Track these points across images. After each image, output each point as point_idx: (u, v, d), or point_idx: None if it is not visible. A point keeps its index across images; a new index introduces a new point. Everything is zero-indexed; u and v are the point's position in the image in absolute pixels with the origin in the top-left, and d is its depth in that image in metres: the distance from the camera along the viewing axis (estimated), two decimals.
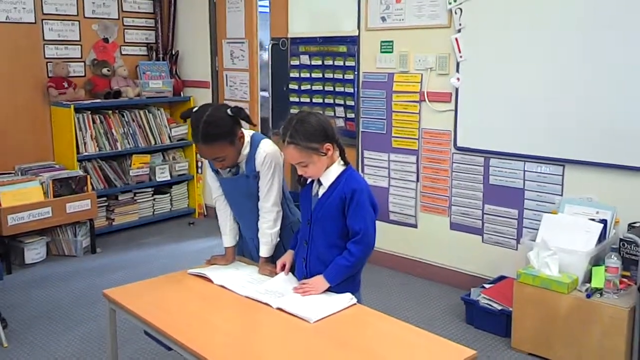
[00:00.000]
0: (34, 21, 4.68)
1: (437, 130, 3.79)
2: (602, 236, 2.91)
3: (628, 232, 2.89)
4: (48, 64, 4.78)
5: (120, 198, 5.00)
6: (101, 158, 4.87)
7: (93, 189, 4.60)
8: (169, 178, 5.24)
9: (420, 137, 3.88)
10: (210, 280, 2.26)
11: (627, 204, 3.01)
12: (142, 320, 2.00)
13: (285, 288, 2.15)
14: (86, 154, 4.71)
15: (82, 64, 5.02)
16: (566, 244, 2.89)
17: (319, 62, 4.40)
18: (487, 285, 3.38)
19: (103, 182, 4.86)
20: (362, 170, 4.20)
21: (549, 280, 2.84)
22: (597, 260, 2.91)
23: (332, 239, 2.13)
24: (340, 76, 4.28)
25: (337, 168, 2.13)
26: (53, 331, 3.24)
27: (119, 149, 4.91)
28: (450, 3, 3.57)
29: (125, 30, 5.28)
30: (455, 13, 3.57)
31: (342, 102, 4.31)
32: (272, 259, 2.36)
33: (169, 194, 5.35)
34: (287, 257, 2.28)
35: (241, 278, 2.27)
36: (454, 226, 3.81)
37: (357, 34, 4.12)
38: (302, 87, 4.53)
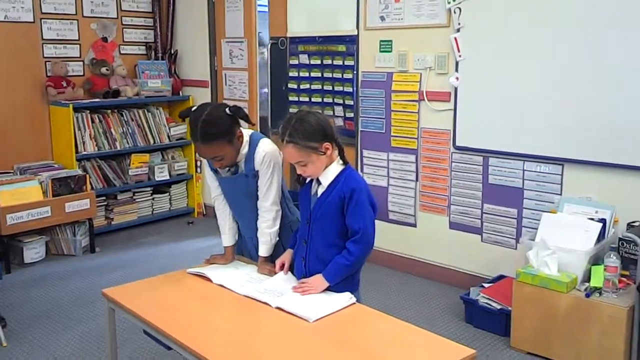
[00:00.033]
0: (32, 20, 4.67)
1: (436, 129, 3.79)
2: (601, 235, 2.91)
3: (627, 231, 2.89)
4: (47, 63, 4.78)
5: (119, 197, 5.00)
6: (100, 157, 4.86)
7: (92, 188, 4.60)
8: (168, 177, 5.24)
9: (420, 136, 3.88)
10: (209, 280, 2.26)
11: (626, 204, 3.02)
12: (142, 320, 2.00)
13: (285, 287, 2.15)
14: (85, 153, 4.70)
15: (81, 63, 5.01)
16: (565, 243, 2.89)
17: (318, 62, 4.40)
18: (486, 285, 3.38)
19: (102, 181, 4.86)
20: (362, 170, 4.20)
21: (548, 280, 2.85)
22: (596, 260, 2.91)
23: (331, 238, 2.13)
24: (339, 75, 4.28)
25: (336, 167, 2.13)
26: (52, 330, 3.24)
27: (118, 148, 4.90)
28: (449, 2, 3.57)
29: (124, 30, 5.28)
30: (454, 12, 3.57)
31: (341, 101, 4.31)
32: (271, 258, 2.36)
33: (168, 194, 5.35)
34: (286, 256, 2.28)
35: (240, 277, 2.27)
36: (453, 225, 3.81)
37: (356, 33, 4.12)
38: (301, 87, 4.53)
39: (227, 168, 2.35)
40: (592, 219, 2.95)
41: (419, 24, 3.76)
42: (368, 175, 4.15)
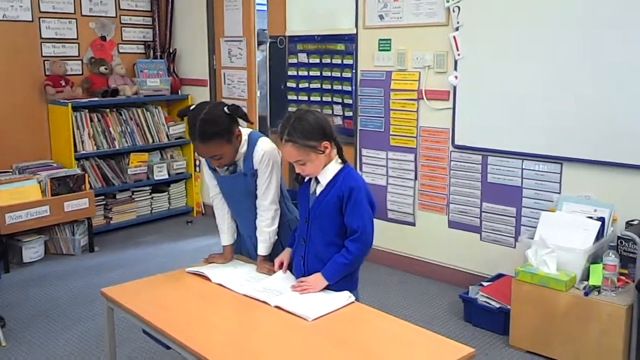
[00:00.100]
0: (31, 19, 4.67)
1: (435, 128, 3.79)
2: (600, 234, 2.91)
3: (626, 229, 2.89)
4: (45, 62, 4.77)
5: (118, 197, 5.00)
6: (99, 156, 4.86)
7: (91, 187, 4.59)
8: (166, 176, 5.24)
9: (418, 135, 3.88)
10: (208, 279, 2.26)
11: (625, 202, 3.02)
12: (140, 319, 2.00)
13: (283, 286, 2.15)
14: (84, 152, 4.70)
15: (80, 62, 5.01)
16: (564, 241, 2.90)
17: (317, 60, 4.40)
18: (485, 283, 3.38)
19: (101, 180, 4.85)
20: (360, 169, 4.20)
21: (547, 278, 2.85)
22: (595, 258, 2.91)
23: (330, 237, 2.13)
24: (338, 74, 4.28)
25: (334, 166, 2.13)
26: (51, 330, 3.24)
27: (117, 147, 4.90)
28: (448, 1, 3.57)
29: (123, 28, 5.27)
30: (453, 11, 3.56)
31: (340, 100, 4.30)
32: (270, 257, 2.36)
33: (166, 193, 5.34)
34: (285, 255, 2.28)
35: (239, 276, 2.27)
36: (452, 224, 3.81)
37: (355, 32, 4.12)
38: (300, 85, 4.53)
39: (226, 167, 2.35)
40: (590, 218, 2.96)
41: (418, 22, 3.76)
42: (367, 174, 4.15)
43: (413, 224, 4.01)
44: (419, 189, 3.95)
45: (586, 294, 2.77)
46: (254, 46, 4.95)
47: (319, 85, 4.42)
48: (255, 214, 2.38)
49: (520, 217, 3.49)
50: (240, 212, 2.45)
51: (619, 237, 2.91)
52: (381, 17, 3.95)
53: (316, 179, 2.14)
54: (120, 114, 4.99)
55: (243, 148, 2.31)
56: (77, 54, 4.98)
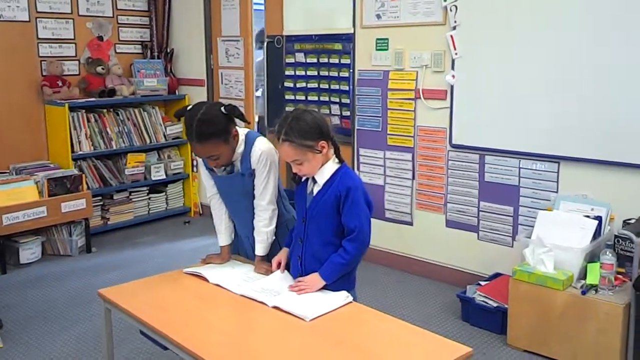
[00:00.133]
0: (27, 19, 4.66)
1: (432, 127, 3.79)
2: (597, 233, 2.92)
3: (623, 228, 2.89)
4: (42, 62, 4.76)
5: (115, 197, 4.99)
6: (96, 157, 4.85)
7: (88, 188, 4.58)
8: (164, 177, 5.23)
9: (416, 134, 3.88)
10: (205, 279, 2.25)
11: (622, 201, 3.02)
12: (138, 320, 1.99)
13: (281, 286, 2.14)
14: (81, 152, 4.69)
15: (77, 62, 5.00)
16: (561, 240, 2.90)
17: (315, 60, 4.40)
18: (482, 283, 3.39)
19: (98, 181, 4.85)
20: (358, 168, 4.20)
21: (544, 277, 2.85)
22: (592, 257, 2.92)
23: (327, 237, 2.13)
24: (336, 74, 4.28)
25: (331, 166, 2.13)
26: (48, 331, 3.23)
27: (114, 147, 4.89)
28: (445, 0, 3.57)
29: (120, 28, 5.26)
30: (451, 10, 3.56)
31: (337, 99, 4.30)
32: (268, 258, 2.35)
33: (164, 193, 5.34)
34: (282, 255, 2.28)
35: (237, 277, 2.27)
36: (450, 223, 3.81)
37: (352, 31, 4.11)
38: (298, 85, 4.53)
39: (223, 167, 2.34)
40: (588, 217, 2.96)
41: (415, 22, 3.76)
42: (364, 174, 4.15)
43: (410, 224, 4.01)
44: (416, 189, 3.95)
45: (583, 292, 2.77)
46: (252, 46, 4.95)
47: (316, 85, 4.42)
48: (253, 214, 2.38)
49: (517, 216, 3.49)
50: (238, 212, 2.45)
51: (616, 236, 2.91)
52: (378, 16, 3.95)
53: (313, 178, 2.14)
54: (118, 114, 4.98)
55: (240, 148, 2.31)
56: (74, 54, 4.97)
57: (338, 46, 4.24)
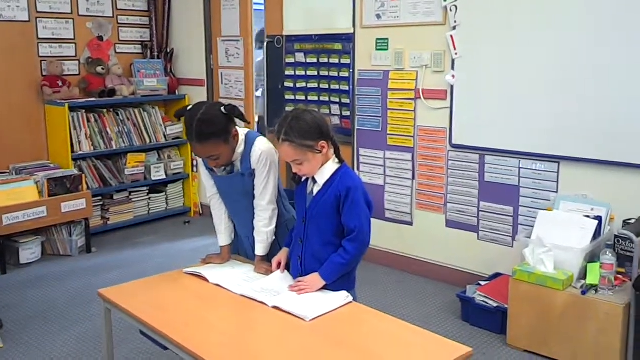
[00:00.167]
0: (27, 19, 4.66)
1: (432, 127, 3.79)
2: (597, 233, 2.92)
3: (623, 228, 2.89)
4: (42, 62, 4.76)
5: (115, 197, 4.99)
6: (96, 157, 4.85)
7: (88, 188, 4.58)
8: (164, 177, 5.23)
9: (416, 134, 3.88)
10: (205, 279, 2.25)
11: (622, 201, 3.02)
12: (138, 320, 1.99)
13: (281, 286, 2.14)
14: (81, 152, 4.69)
15: (77, 62, 5.00)
16: (561, 240, 2.90)
17: (315, 60, 4.40)
18: (482, 283, 3.39)
19: (98, 181, 4.85)
20: (358, 168, 4.20)
21: (544, 277, 2.85)
22: (592, 257, 2.92)
23: (327, 237, 2.13)
24: (336, 74, 4.28)
25: (331, 166, 2.13)
26: (48, 331, 3.23)
27: (114, 147, 4.89)
28: (445, 0, 3.57)
29: (120, 28, 5.26)
30: (451, 10, 3.56)
31: (337, 99, 4.30)
32: (268, 258, 2.35)
33: (164, 193, 5.34)
34: (282, 255, 2.28)
35: (237, 277, 2.27)
36: (450, 223, 3.81)
37: (352, 31, 4.11)
38: (298, 85, 4.53)
39: (223, 167, 2.34)
40: (588, 217, 2.96)
41: (415, 22, 3.76)
42: (364, 174, 4.15)
43: (410, 224, 4.01)
44: (416, 189, 3.95)
45: (583, 292, 2.77)
46: (252, 46, 4.95)
47: (316, 85, 4.42)
48: (253, 214, 2.38)
49: (517, 216, 3.49)
50: (238, 212, 2.45)
51: (616, 236, 2.91)
52: (378, 16, 3.95)
53: (313, 178, 2.14)
54: (118, 114, 4.98)
55: (240, 148, 2.31)
56: (74, 54, 4.97)
57: (338, 46, 4.24)
